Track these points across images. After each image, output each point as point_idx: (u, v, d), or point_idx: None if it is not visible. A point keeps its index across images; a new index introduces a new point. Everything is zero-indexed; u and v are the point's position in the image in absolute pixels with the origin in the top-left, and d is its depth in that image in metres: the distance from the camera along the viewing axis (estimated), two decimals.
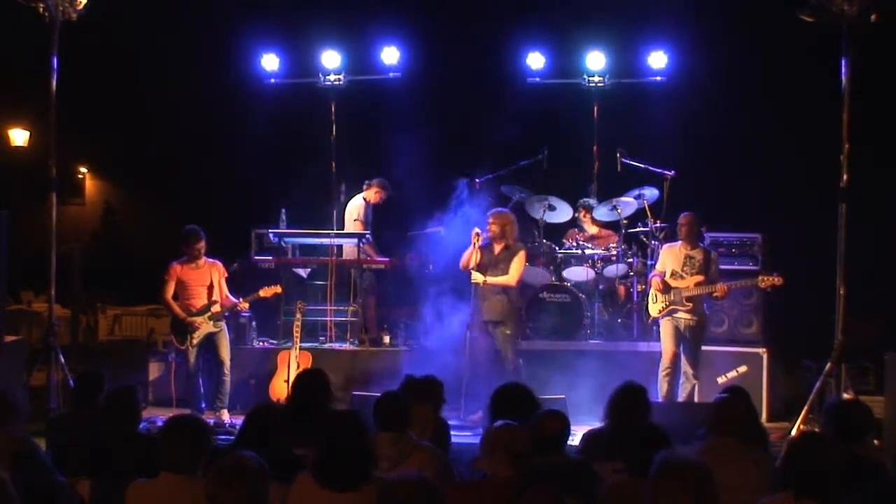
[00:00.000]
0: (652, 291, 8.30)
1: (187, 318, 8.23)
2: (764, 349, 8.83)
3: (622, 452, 4.34)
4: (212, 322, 8.27)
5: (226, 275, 8.49)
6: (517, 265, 8.26)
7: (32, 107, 11.08)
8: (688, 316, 8.12)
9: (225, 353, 8.31)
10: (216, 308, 8.30)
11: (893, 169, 10.06)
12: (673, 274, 8.20)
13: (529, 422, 4.41)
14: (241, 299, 8.40)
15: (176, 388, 8.68)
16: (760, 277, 8.18)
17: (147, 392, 9.09)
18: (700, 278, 8.09)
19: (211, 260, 8.48)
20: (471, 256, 8.26)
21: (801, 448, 3.83)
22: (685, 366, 8.14)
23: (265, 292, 8.47)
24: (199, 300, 8.31)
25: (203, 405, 8.29)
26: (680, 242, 8.33)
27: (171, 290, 8.31)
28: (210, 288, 8.32)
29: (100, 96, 11.94)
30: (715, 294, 8.09)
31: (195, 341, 8.23)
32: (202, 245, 8.28)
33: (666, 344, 8.19)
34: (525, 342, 9.18)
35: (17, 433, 4.54)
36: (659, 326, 8.33)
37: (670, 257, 8.30)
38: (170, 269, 8.32)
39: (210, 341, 8.31)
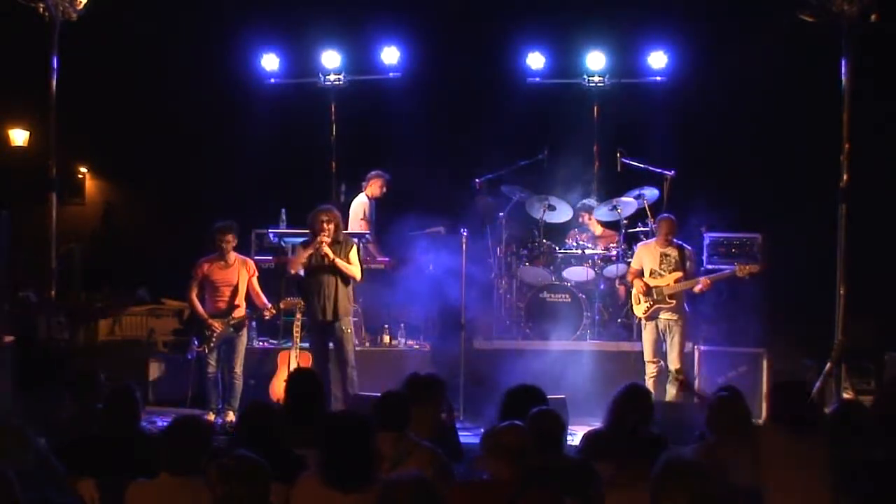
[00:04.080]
0: (634, 293, 8.41)
1: (207, 320, 8.21)
2: (764, 349, 8.83)
3: (622, 453, 4.34)
4: (231, 328, 8.25)
5: (256, 274, 8.45)
6: (356, 259, 8.12)
7: (32, 107, 11.06)
8: (670, 314, 8.26)
9: (237, 360, 8.27)
10: (238, 313, 8.26)
11: (893, 168, 10.08)
12: (652, 273, 8.34)
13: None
14: (270, 305, 8.37)
15: (192, 387, 8.67)
16: (738, 266, 8.32)
17: (147, 392, 9.09)
18: (679, 274, 8.26)
19: (242, 257, 8.46)
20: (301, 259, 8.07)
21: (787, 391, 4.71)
22: (671, 364, 8.21)
23: (285, 304, 8.46)
24: (225, 301, 8.28)
25: (221, 405, 8.28)
26: (654, 240, 8.47)
27: (196, 288, 8.29)
28: (236, 289, 8.28)
29: (100, 96, 11.92)
30: (698, 288, 8.19)
31: (213, 344, 8.22)
32: (229, 238, 8.23)
33: (647, 352, 8.34)
34: (525, 342, 9.21)
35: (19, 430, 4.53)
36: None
37: (647, 256, 8.42)
38: (196, 266, 8.29)
39: (226, 345, 8.29)
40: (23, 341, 7.29)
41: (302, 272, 8.18)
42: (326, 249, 7.88)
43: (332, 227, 7.95)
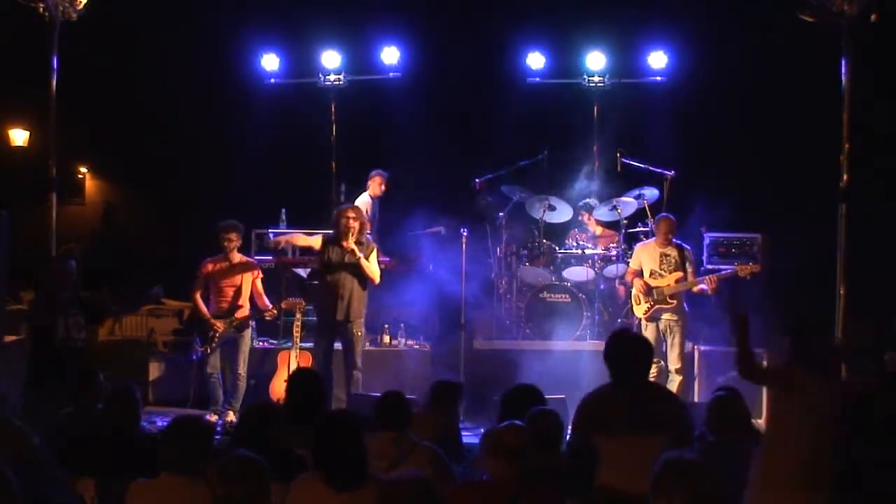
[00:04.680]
0: (634, 293, 8.41)
1: (210, 320, 8.21)
2: (764, 349, 8.82)
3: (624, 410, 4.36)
4: (233, 328, 8.25)
5: (261, 275, 8.46)
6: (375, 262, 8.11)
7: (32, 107, 11.07)
8: (671, 315, 8.25)
9: (240, 361, 8.26)
10: (240, 314, 8.26)
11: (893, 168, 10.08)
12: (652, 273, 8.32)
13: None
14: (271, 306, 8.37)
15: (194, 388, 8.66)
16: (739, 266, 8.32)
17: (147, 392, 9.09)
18: (679, 275, 8.26)
19: (246, 258, 8.50)
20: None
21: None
22: (671, 364, 8.21)
23: (286, 304, 8.48)
24: (228, 301, 8.28)
25: (223, 406, 8.28)
26: (653, 241, 8.46)
27: (200, 288, 8.29)
28: (239, 290, 8.29)
29: (100, 96, 11.93)
30: (697, 288, 8.19)
31: (215, 344, 8.22)
32: (232, 237, 8.24)
33: None
34: (525, 342, 9.20)
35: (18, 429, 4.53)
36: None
37: (646, 256, 8.41)
38: (200, 267, 8.32)
39: (229, 345, 8.28)
40: (40, 338, 7.27)
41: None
42: (354, 247, 7.87)
43: (357, 225, 7.95)
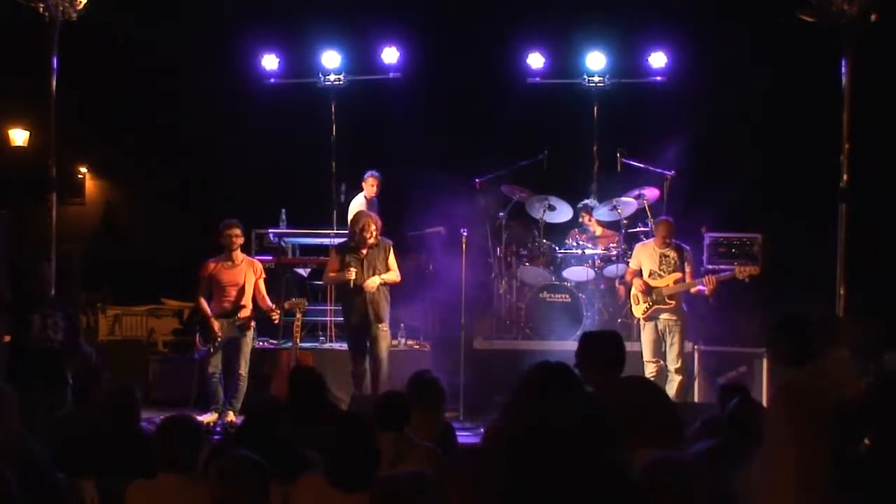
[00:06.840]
0: (633, 293, 8.42)
1: (210, 319, 8.21)
2: (764, 349, 8.82)
3: None
4: (236, 327, 8.24)
5: (263, 275, 8.47)
6: (394, 263, 8.20)
7: (32, 107, 11.07)
8: (669, 315, 8.27)
9: (242, 361, 8.24)
10: (243, 314, 8.25)
11: (893, 168, 10.08)
12: (651, 274, 8.34)
13: None
14: (274, 307, 8.37)
15: (196, 387, 8.66)
16: (738, 268, 8.32)
17: (147, 392, 9.09)
18: (678, 275, 8.29)
19: (249, 258, 8.51)
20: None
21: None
22: (670, 364, 8.21)
23: (289, 304, 8.49)
24: (230, 301, 8.27)
25: (224, 407, 8.26)
26: (653, 241, 8.51)
27: (203, 288, 8.29)
28: (242, 290, 8.29)
29: (100, 96, 11.94)
30: (702, 288, 8.20)
31: (217, 343, 8.22)
32: (237, 233, 8.25)
33: (646, 352, 8.34)
34: (525, 342, 9.20)
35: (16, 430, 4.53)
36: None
37: (645, 256, 8.43)
38: (202, 267, 8.31)
39: (231, 345, 8.28)
40: (15, 336, 7.27)
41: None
42: (369, 284, 7.98)
43: (368, 236, 8.00)
